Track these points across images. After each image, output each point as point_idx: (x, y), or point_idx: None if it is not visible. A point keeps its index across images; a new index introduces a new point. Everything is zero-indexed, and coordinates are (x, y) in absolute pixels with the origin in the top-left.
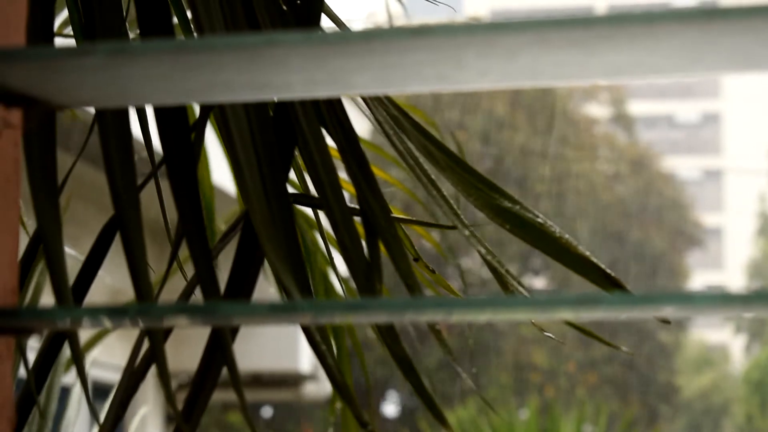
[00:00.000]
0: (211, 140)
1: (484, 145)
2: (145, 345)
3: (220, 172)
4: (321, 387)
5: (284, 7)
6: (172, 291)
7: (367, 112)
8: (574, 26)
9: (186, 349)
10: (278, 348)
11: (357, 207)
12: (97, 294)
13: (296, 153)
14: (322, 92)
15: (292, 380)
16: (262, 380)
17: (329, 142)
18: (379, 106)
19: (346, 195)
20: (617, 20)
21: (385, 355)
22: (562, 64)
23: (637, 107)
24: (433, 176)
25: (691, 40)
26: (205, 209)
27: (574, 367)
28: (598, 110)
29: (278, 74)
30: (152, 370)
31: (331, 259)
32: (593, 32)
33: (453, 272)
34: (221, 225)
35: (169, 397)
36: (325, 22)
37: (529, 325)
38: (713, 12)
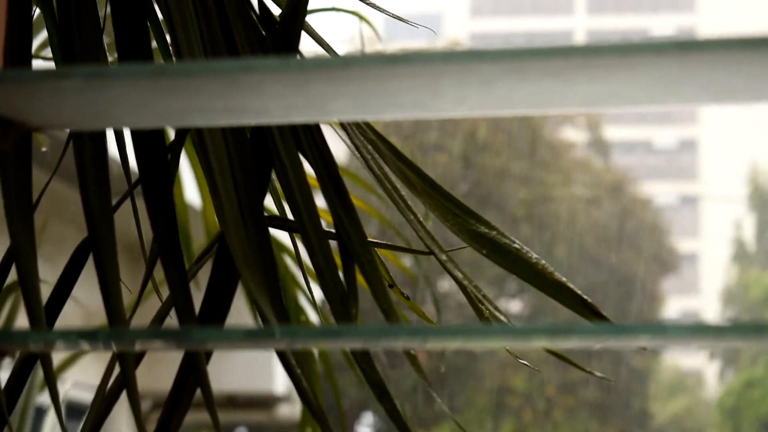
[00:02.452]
0: (184, 161)
1: (463, 167)
2: (118, 367)
3: (191, 193)
4: (295, 409)
5: (263, 33)
6: (149, 310)
7: (344, 136)
8: (550, 56)
9: (161, 369)
10: (253, 369)
11: (333, 231)
12: (73, 314)
13: (273, 177)
14: (299, 118)
15: (267, 402)
16: (236, 401)
17: (307, 167)
18: (357, 131)
19: (322, 222)
20: (593, 51)
21: (361, 377)
22: (538, 93)
23: (615, 132)
24: (409, 201)
25: (667, 72)
26: (180, 231)
27: (553, 389)
28: (575, 135)
29: (255, 99)
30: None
31: (307, 283)
32: (569, 62)
33: (430, 298)
34: (197, 247)
35: (138, 421)
36: (310, 44)
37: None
38: (688, 44)
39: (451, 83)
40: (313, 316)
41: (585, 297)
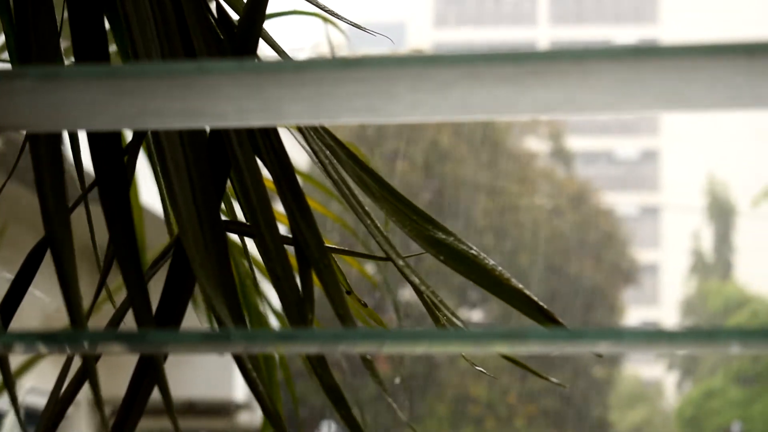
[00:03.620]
0: (142, 163)
1: (426, 176)
2: (73, 371)
3: (149, 195)
4: (255, 416)
5: (222, 37)
6: (106, 314)
7: (303, 141)
8: (505, 62)
9: (120, 374)
10: (212, 376)
11: (290, 236)
12: (33, 316)
13: (230, 181)
14: (254, 121)
15: (226, 409)
16: (195, 408)
17: (264, 171)
18: (315, 136)
19: (281, 227)
20: (548, 57)
21: (318, 384)
22: (494, 98)
23: (576, 143)
24: (367, 207)
25: (622, 78)
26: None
27: (514, 398)
28: (537, 145)
29: (210, 102)
30: (85, 397)
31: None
32: (524, 68)
33: (405, 303)
34: (153, 250)
35: (104, 423)
36: (269, 51)
37: (469, 357)
38: (643, 50)
39: (407, 88)
40: (276, 323)
41: (541, 304)
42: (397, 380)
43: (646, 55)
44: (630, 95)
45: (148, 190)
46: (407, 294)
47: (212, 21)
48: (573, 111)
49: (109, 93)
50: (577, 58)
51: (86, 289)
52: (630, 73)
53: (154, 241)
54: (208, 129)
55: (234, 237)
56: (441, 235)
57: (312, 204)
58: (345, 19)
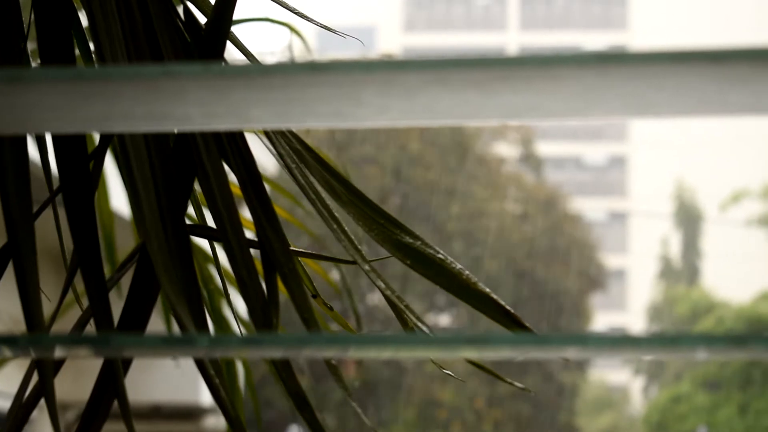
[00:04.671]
0: (112, 169)
1: (395, 181)
2: (37, 375)
3: (120, 200)
4: (221, 420)
5: (189, 40)
6: (72, 319)
7: (270, 145)
8: (471, 67)
9: (86, 379)
10: (179, 380)
11: (256, 240)
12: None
13: (196, 186)
14: (220, 125)
15: (193, 413)
16: (162, 412)
17: (231, 176)
18: (282, 140)
19: (248, 231)
20: (515, 62)
21: (282, 388)
22: (461, 103)
23: (545, 148)
24: (335, 211)
25: (589, 84)
26: (104, 239)
27: (481, 403)
28: (507, 150)
29: (176, 106)
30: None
31: (227, 293)
32: (491, 73)
33: (363, 309)
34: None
35: (55, 426)
36: (238, 55)
37: (437, 361)
38: (610, 56)
39: (373, 92)
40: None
41: (508, 308)
42: (356, 384)
43: (612, 62)
44: (597, 101)
45: (119, 195)
46: (375, 298)
47: (179, 24)
48: (540, 116)
49: (74, 96)
50: (544, 63)
51: (54, 291)
52: (597, 79)
53: (126, 245)
54: (173, 132)
55: (203, 242)
56: (408, 240)
57: (278, 210)
58: (315, 22)
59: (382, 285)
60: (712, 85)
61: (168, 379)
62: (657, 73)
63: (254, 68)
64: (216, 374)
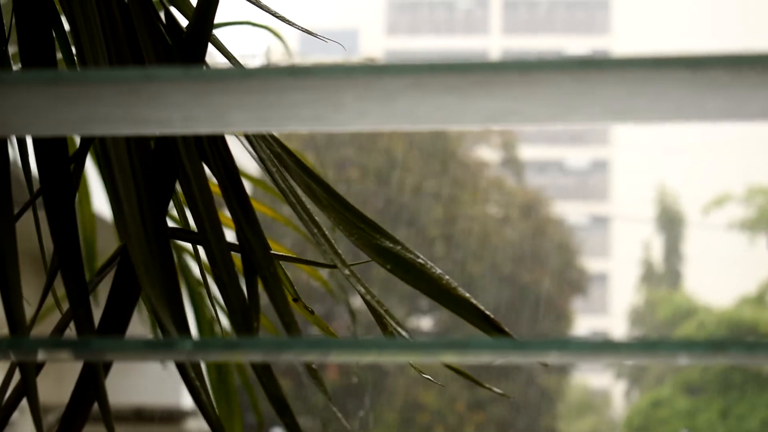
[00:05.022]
0: (94, 172)
1: (378, 185)
2: (16, 378)
3: (101, 203)
4: (203, 423)
5: (170, 43)
6: (53, 323)
7: (250, 149)
8: (451, 72)
9: (68, 381)
10: (161, 383)
11: (237, 243)
12: None
13: (178, 188)
14: (200, 128)
15: (175, 416)
16: (143, 415)
17: (212, 178)
18: (262, 143)
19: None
20: (494, 67)
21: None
22: (440, 108)
23: (527, 152)
24: (316, 215)
25: (567, 89)
26: (85, 242)
27: (463, 407)
28: (489, 154)
29: (156, 109)
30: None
31: (210, 295)
32: (470, 78)
33: (344, 312)
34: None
35: (38, 428)
36: (221, 58)
37: (419, 365)
38: (588, 62)
39: (353, 97)
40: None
41: (487, 313)
42: (329, 396)
43: (591, 67)
44: (576, 106)
45: (101, 197)
46: (358, 302)
47: (161, 28)
48: (519, 121)
49: (55, 99)
50: (523, 68)
51: (34, 294)
52: (576, 84)
53: (108, 248)
54: (153, 135)
55: (188, 245)
56: (388, 244)
57: (262, 208)
58: (296, 26)
59: (362, 289)
60: (690, 91)
61: (150, 383)
62: (636, 79)
63: (234, 72)
64: (197, 377)
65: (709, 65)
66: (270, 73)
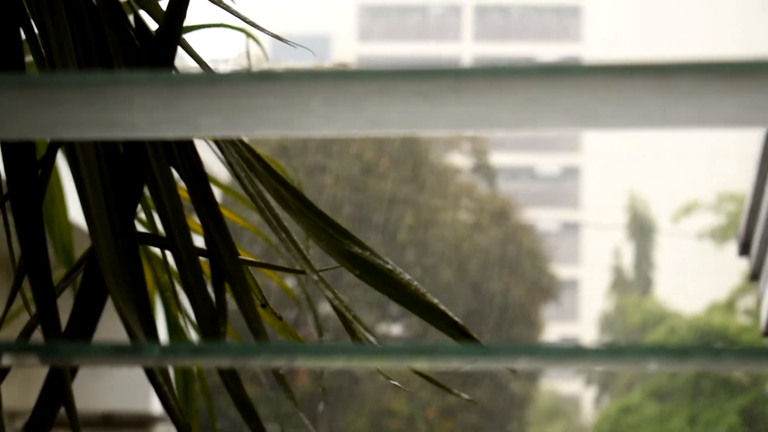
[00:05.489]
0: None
1: (349, 190)
2: None
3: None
4: (173, 429)
5: (139, 47)
6: (20, 327)
7: (220, 154)
8: (419, 77)
9: (35, 387)
10: (130, 388)
11: (205, 249)
12: None
13: (147, 193)
14: (168, 132)
15: (144, 421)
16: (113, 421)
17: (181, 183)
18: (232, 148)
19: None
20: (462, 73)
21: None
22: (408, 113)
23: (499, 159)
24: (286, 221)
25: (535, 96)
26: (62, 248)
27: (433, 413)
28: (460, 160)
29: (124, 113)
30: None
31: (177, 300)
32: (438, 84)
33: (325, 317)
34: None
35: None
36: (192, 63)
37: (388, 371)
38: (557, 69)
39: (321, 102)
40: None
41: (456, 319)
42: (294, 405)
43: (560, 74)
44: (544, 112)
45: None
46: (327, 308)
47: (130, 31)
48: (487, 127)
49: (23, 102)
50: (492, 75)
51: (3, 298)
52: (544, 90)
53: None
54: (121, 139)
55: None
56: (357, 250)
57: (231, 216)
58: (267, 31)
59: (331, 295)
60: (658, 98)
61: (118, 387)
62: (604, 86)
63: (202, 76)
64: (165, 382)
65: (677, 72)
66: (238, 77)
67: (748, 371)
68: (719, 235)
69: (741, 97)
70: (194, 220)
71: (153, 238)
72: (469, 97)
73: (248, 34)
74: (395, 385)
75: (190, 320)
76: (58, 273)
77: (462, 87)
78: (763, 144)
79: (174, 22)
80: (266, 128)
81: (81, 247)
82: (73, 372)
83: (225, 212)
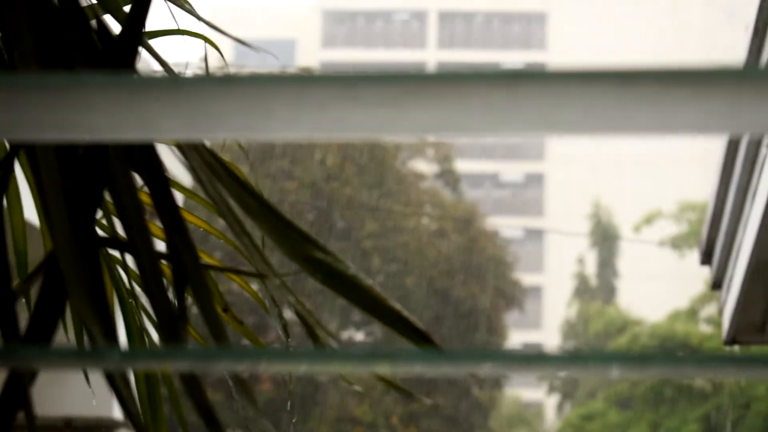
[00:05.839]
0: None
1: (312, 196)
2: None
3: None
4: None
5: (101, 49)
6: None
7: (182, 158)
8: (382, 82)
9: None
10: (91, 393)
11: (166, 253)
12: None
13: (108, 197)
14: (129, 135)
15: (106, 426)
16: (73, 425)
17: (143, 187)
18: (194, 153)
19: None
20: (425, 79)
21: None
22: (371, 118)
23: (463, 165)
24: (248, 225)
25: (497, 102)
26: (16, 250)
27: (396, 420)
28: (425, 167)
29: (84, 115)
30: None
31: (137, 305)
32: (401, 89)
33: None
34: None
35: None
36: (156, 66)
37: (351, 378)
38: (520, 74)
39: (283, 106)
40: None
41: (418, 325)
42: (260, 415)
43: (523, 79)
44: (507, 118)
45: (32, 206)
46: (290, 314)
47: (93, 35)
48: (450, 132)
49: None
50: (454, 81)
51: None
52: (507, 96)
53: (39, 256)
54: (82, 142)
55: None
56: (319, 255)
57: (194, 219)
58: (231, 36)
59: (293, 300)
60: (620, 104)
61: (80, 392)
62: (566, 92)
63: (164, 79)
64: (125, 386)
65: (640, 79)
66: (200, 80)
67: (710, 378)
68: (682, 244)
69: (704, 105)
70: (156, 225)
71: (114, 242)
72: (432, 103)
73: (207, 40)
74: (358, 391)
75: (152, 324)
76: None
77: (424, 92)
78: (724, 153)
79: (135, 25)
80: (228, 132)
81: (35, 249)
82: (33, 376)
83: (188, 216)
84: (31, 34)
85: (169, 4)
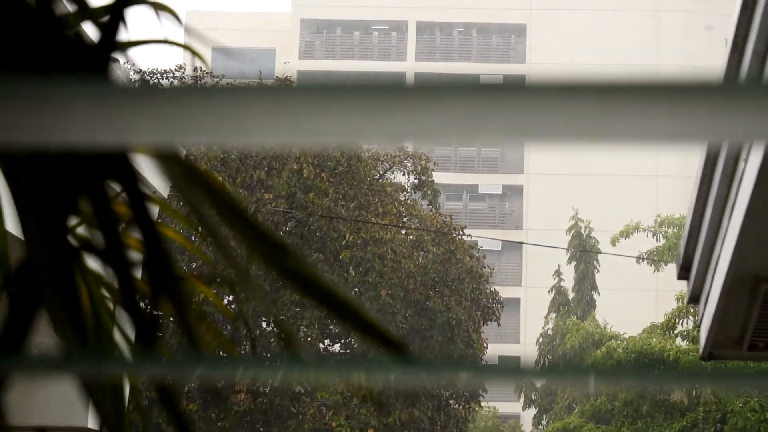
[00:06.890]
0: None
1: (289, 207)
2: None
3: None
4: None
5: (78, 56)
6: None
7: (159, 168)
8: (357, 93)
9: None
10: (66, 402)
11: (143, 262)
12: None
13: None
14: (105, 141)
15: None
16: None
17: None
18: (172, 163)
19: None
20: (400, 90)
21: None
22: (347, 127)
23: (441, 178)
24: (224, 236)
25: (471, 111)
26: None
27: (373, 431)
28: (403, 178)
29: (60, 121)
30: None
31: (113, 314)
32: (375, 99)
33: (265, 333)
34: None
35: None
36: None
37: (328, 391)
38: (496, 87)
39: (261, 114)
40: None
41: (396, 337)
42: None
43: (501, 91)
44: (484, 129)
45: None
46: (265, 324)
47: (68, 40)
48: (425, 141)
49: None
50: (429, 92)
51: None
52: (485, 107)
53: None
54: (56, 149)
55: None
56: (297, 266)
57: (170, 233)
58: (210, 45)
59: (271, 311)
60: (597, 116)
61: (54, 402)
62: (544, 103)
63: (140, 87)
64: (96, 395)
65: (618, 91)
66: (177, 90)
67: (686, 391)
68: (659, 258)
69: (681, 116)
70: (132, 234)
71: (89, 250)
72: (406, 113)
73: (188, 48)
74: (335, 402)
75: (125, 334)
76: None
77: (399, 103)
78: (702, 167)
79: (111, 32)
80: (204, 139)
81: (14, 256)
82: (5, 383)
83: (165, 228)
84: (4, 37)
85: (152, 12)
